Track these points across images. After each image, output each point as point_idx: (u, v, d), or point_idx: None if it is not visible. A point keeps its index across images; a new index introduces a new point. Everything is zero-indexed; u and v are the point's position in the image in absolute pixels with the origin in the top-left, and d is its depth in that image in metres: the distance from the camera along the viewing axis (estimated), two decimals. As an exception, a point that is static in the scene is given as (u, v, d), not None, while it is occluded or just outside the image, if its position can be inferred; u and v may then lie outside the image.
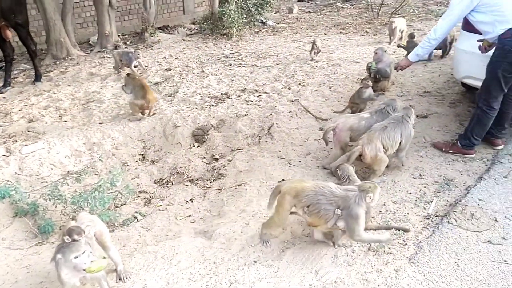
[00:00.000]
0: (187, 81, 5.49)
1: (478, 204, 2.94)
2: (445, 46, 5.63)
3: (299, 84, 5.30)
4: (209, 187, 3.63)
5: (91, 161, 3.87)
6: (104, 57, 6.54)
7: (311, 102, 4.75)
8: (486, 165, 3.43)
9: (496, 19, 3.09)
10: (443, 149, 3.63)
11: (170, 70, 5.92)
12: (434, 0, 9.69)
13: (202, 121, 4.41)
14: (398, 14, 8.53)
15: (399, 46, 5.84)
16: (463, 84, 4.45)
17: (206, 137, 4.23)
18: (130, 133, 4.31)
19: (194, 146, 4.18)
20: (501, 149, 3.59)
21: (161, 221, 3.24)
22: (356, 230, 2.37)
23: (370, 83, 4.29)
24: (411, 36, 5.68)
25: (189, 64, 6.17)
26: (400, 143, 3.21)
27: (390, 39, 6.65)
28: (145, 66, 6.03)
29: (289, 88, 5.17)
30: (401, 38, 6.49)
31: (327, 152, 3.75)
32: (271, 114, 4.47)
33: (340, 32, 7.84)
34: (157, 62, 6.28)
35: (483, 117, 3.37)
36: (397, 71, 3.91)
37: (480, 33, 3.41)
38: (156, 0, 7.48)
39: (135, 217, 3.27)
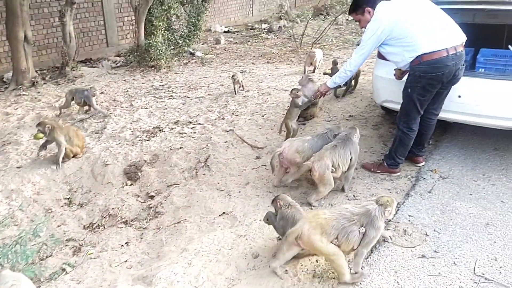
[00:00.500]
0: (115, 116, 5.25)
1: (409, 220, 3.13)
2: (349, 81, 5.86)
3: (233, 113, 5.33)
4: (145, 228, 3.44)
5: (10, 211, 3.48)
6: (20, 95, 6.04)
7: (246, 131, 4.79)
8: (411, 182, 3.68)
9: (405, 49, 3.34)
10: (372, 169, 3.84)
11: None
12: (349, 30, 10.50)
13: (134, 157, 4.22)
14: (319, 43, 9.09)
15: (324, 73, 6.13)
16: (383, 107, 4.80)
17: (139, 174, 4.04)
18: (53, 176, 3.98)
19: (126, 185, 3.97)
20: (423, 165, 3.90)
21: (93, 270, 2.97)
22: (372, 242, 2.46)
23: (300, 93, 4.47)
24: (335, 63, 6.02)
25: (117, 98, 5.93)
26: (350, 159, 3.35)
27: (313, 69, 6.94)
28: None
29: (223, 118, 5.18)
30: (315, 68, 6.91)
31: (266, 181, 3.78)
32: (207, 146, 4.42)
33: (267, 62, 8.12)
34: (81, 97, 5.95)
35: (404, 138, 3.63)
36: (317, 98, 4.15)
37: None
38: (76, 33, 7.16)
39: (64, 269, 2.98)
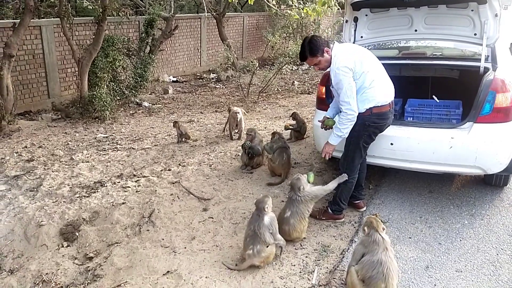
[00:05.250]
0: (53, 171, 4.98)
1: (354, 267, 3.16)
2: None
3: (179, 164, 5.27)
4: (82, 294, 3.19)
5: None
6: None
7: (193, 182, 4.73)
8: (354, 227, 3.77)
9: (359, 100, 3.47)
10: (317, 216, 3.91)
11: (33, 160, 5.33)
12: (293, 79, 11.03)
13: (71, 216, 3.98)
14: (265, 92, 9.43)
15: (287, 128, 6.03)
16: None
17: (77, 234, 3.80)
18: (-21, 241, 3.63)
19: (63, 246, 3.69)
20: (364, 210, 4.03)
21: None
22: None
23: (254, 133, 4.96)
24: (295, 116, 6.11)
25: (56, 152, 5.66)
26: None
27: (239, 134, 6.19)
28: (1, 158, 5.33)
29: (169, 170, 5.10)
30: (241, 132, 6.16)
31: (213, 234, 3.70)
32: (151, 199, 4.28)
33: (216, 111, 8.24)
34: (17, 152, 5.62)
35: (348, 183, 3.75)
36: (327, 158, 3.79)
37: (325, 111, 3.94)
38: (15, 86, 6.90)
39: None
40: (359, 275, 2.68)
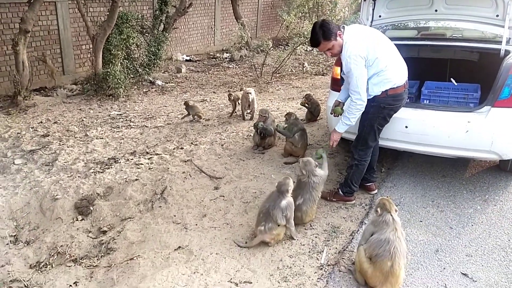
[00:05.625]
0: (67, 147, 5.07)
1: (363, 249, 3.17)
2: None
3: (191, 143, 5.30)
4: (96, 266, 3.27)
5: None
6: (-35, 124, 5.73)
7: (205, 161, 4.76)
8: (365, 209, 3.77)
9: (376, 82, 3.40)
10: (328, 198, 3.91)
11: (48, 136, 5.42)
12: (307, 60, 10.87)
13: (86, 190, 4.06)
14: (279, 73, 9.34)
15: (303, 104, 6.02)
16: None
17: (91, 208, 3.88)
18: (-2, 212, 3.74)
19: (77, 220, 3.79)
20: (376, 193, 4.01)
21: (37, 314, 2.78)
22: None
23: (267, 114, 4.96)
24: (308, 97, 5.99)
25: (70, 128, 5.75)
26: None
27: (251, 114, 6.16)
28: (18, 133, 5.43)
29: (182, 148, 5.13)
30: (253, 113, 6.14)
31: (223, 212, 3.74)
32: (163, 177, 4.33)
33: (228, 91, 8.19)
34: (32, 128, 5.71)
35: (360, 166, 3.74)
36: (334, 147, 3.76)
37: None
38: (31, 62, 6.96)
39: (4, 315, 2.76)
40: (366, 253, 2.70)
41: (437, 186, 4.17)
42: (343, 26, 3.43)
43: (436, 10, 4.54)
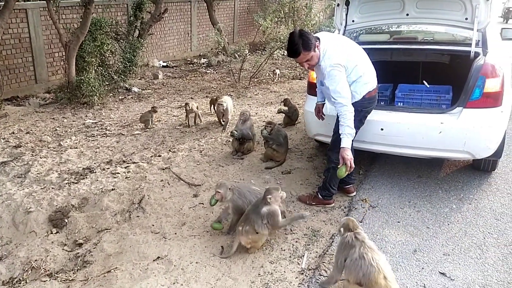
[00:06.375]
0: (40, 157, 4.92)
1: (343, 252, 3.19)
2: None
3: (169, 150, 5.23)
4: (72, 280, 3.16)
5: None
6: None
7: (183, 169, 4.71)
8: (344, 212, 3.80)
9: (356, 87, 3.45)
10: (307, 201, 3.92)
11: (20, 146, 5.25)
12: (285, 65, 10.94)
13: (60, 202, 3.94)
14: (256, 77, 9.35)
15: (279, 112, 6.07)
16: (317, 140, 4.98)
17: (66, 220, 3.76)
18: (-34, 229, 3.58)
19: (52, 233, 3.66)
20: (354, 195, 4.05)
21: (10, 334, 2.66)
22: None
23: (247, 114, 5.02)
24: (286, 102, 6.10)
25: (43, 138, 5.58)
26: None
27: (225, 124, 6.00)
28: (-13, 144, 5.24)
29: (159, 156, 5.06)
30: (226, 123, 6.00)
31: (203, 220, 3.70)
32: (141, 186, 4.25)
33: (206, 96, 8.16)
34: (4, 138, 5.52)
35: (336, 169, 3.76)
36: (353, 166, 3.38)
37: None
38: (2, 70, 6.74)
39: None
40: (351, 281, 2.50)
41: (414, 187, 4.24)
42: (318, 38, 3.33)
43: (407, 14, 4.65)
